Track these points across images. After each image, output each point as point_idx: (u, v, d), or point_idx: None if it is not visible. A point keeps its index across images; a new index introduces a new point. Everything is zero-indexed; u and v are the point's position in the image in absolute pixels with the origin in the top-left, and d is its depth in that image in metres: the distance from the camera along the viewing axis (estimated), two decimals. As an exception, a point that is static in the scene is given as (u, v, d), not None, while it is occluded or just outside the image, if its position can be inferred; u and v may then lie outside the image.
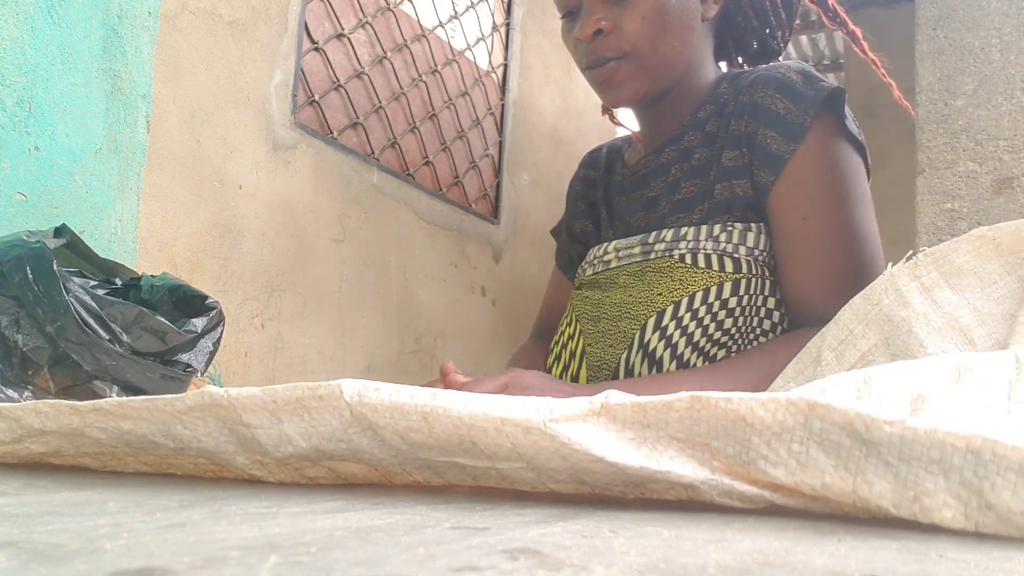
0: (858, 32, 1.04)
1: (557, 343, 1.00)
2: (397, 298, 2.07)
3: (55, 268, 0.70)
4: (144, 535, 0.29)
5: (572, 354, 0.96)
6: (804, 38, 4.03)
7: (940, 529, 0.31)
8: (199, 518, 0.33)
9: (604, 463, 0.36)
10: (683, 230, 0.89)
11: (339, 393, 0.40)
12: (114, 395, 0.70)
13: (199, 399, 0.43)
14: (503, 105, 2.55)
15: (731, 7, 0.97)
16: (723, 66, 1.03)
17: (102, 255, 0.82)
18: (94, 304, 0.71)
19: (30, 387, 0.68)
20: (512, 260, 2.55)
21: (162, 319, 0.74)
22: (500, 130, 2.53)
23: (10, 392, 0.66)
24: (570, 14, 0.95)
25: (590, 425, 0.36)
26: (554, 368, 0.99)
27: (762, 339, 0.86)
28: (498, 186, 2.50)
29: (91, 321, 0.70)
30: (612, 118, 1.14)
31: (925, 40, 1.58)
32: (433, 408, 0.38)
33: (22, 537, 0.28)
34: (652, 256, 0.90)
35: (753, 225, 0.87)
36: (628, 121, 1.11)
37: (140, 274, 0.81)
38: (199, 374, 0.78)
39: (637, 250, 0.92)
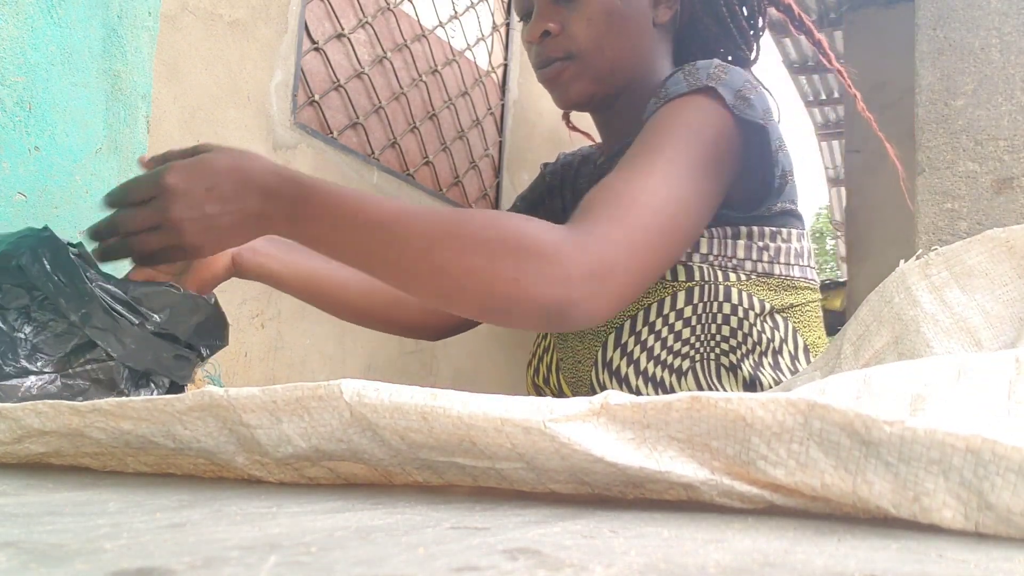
0: (824, 41, 1.02)
1: (535, 353, 0.99)
2: (397, 298, 2.07)
3: (71, 256, 0.70)
4: (144, 535, 0.29)
5: (549, 367, 0.96)
6: (803, 39, 4.03)
7: (940, 529, 0.31)
8: (199, 518, 0.33)
9: (604, 463, 0.36)
10: None
11: (339, 393, 0.40)
12: (124, 379, 0.71)
13: (199, 399, 0.43)
14: (503, 105, 2.55)
15: (690, 13, 0.96)
16: None
17: (102, 255, 0.83)
18: (118, 289, 0.71)
19: (43, 375, 0.68)
20: (512, 260, 2.55)
21: (191, 292, 0.75)
22: (500, 130, 2.53)
23: (13, 383, 0.66)
24: (527, 17, 0.96)
25: (590, 425, 0.37)
26: (536, 378, 0.98)
27: (723, 345, 0.84)
28: (498, 186, 2.50)
29: (118, 306, 0.70)
30: (568, 123, 1.16)
31: (925, 40, 1.58)
32: (433, 408, 0.38)
33: (22, 537, 0.28)
34: None
35: (704, 230, 0.85)
36: (587, 127, 1.11)
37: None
38: (203, 358, 0.78)
39: None
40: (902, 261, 0.62)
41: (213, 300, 0.81)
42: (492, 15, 2.53)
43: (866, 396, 0.44)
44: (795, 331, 0.88)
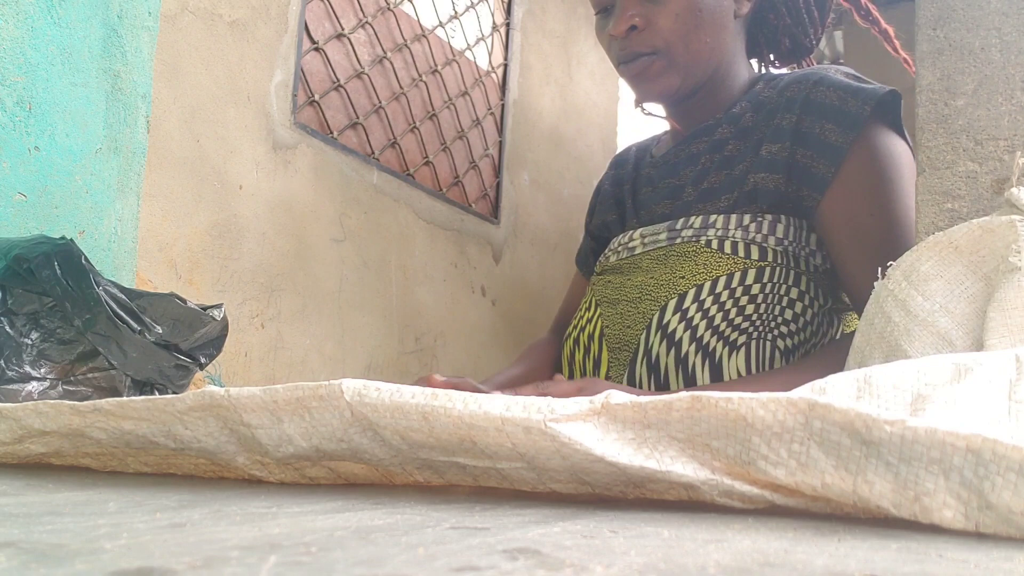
0: (890, 31, 1.05)
1: (575, 328, 1.00)
2: (397, 298, 2.08)
3: (84, 263, 0.70)
4: (144, 535, 0.29)
5: (591, 337, 0.96)
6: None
7: (940, 529, 0.31)
8: (199, 518, 0.33)
9: (604, 463, 0.36)
10: (712, 217, 0.90)
11: (340, 393, 0.40)
12: (127, 386, 0.71)
13: (199, 399, 0.43)
14: (503, 105, 2.55)
15: (764, 4, 0.97)
16: (754, 63, 1.03)
17: (102, 255, 0.82)
18: (124, 296, 0.71)
19: (45, 381, 0.68)
20: (512, 260, 2.55)
21: (193, 305, 0.75)
22: (500, 130, 2.53)
23: (14, 387, 0.66)
24: (604, 11, 0.97)
25: (591, 425, 0.36)
26: (576, 355, 0.99)
27: (783, 328, 0.85)
28: (498, 186, 2.50)
29: (122, 313, 0.70)
30: (644, 111, 1.15)
31: (925, 40, 1.58)
32: (433, 408, 0.38)
33: (22, 537, 0.28)
34: (678, 241, 0.91)
35: (783, 217, 0.87)
36: (659, 117, 1.11)
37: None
38: (201, 366, 0.78)
39: (663, 236, 0.93)
40: (875, 283, 0.63)
41: (222, 315, 0.80)
42: (492, 15, 2.53)
43: (867, 396, 0.43)
44: (843, 333, 0.89)
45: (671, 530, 0.32)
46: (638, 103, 1.07)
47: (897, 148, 0.85)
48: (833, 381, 0.45)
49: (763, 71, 1.03)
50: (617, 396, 0.37)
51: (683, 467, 0.36)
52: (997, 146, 1.48)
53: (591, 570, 0.24)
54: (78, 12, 0.96)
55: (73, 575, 0.23)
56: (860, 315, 0.84)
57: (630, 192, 1.05)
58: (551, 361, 1.04)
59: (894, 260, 0.80)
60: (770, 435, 0.34)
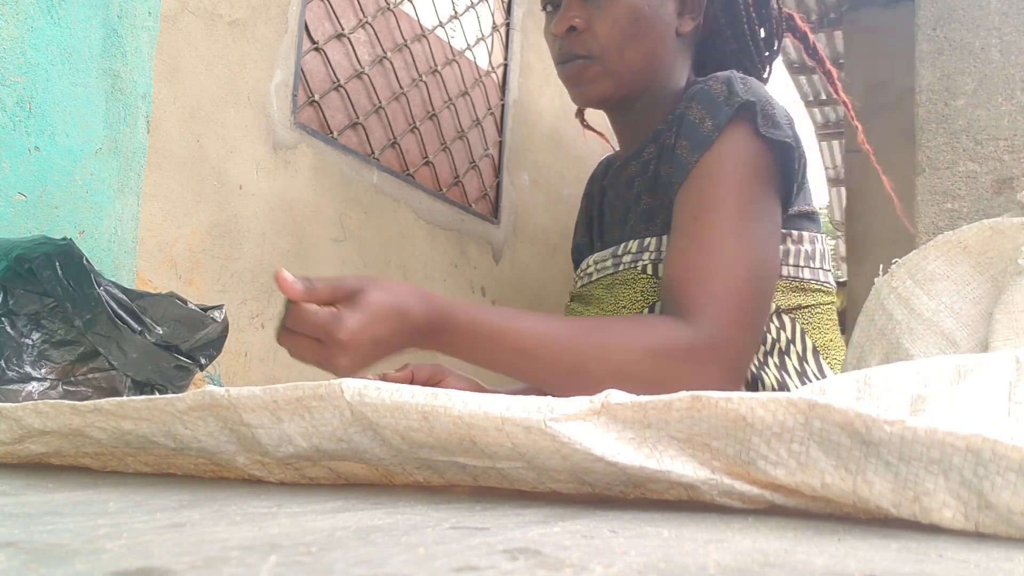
0: (834, 72, 1.05)
1: None
2: (397, 298, 2.07)
3: (85, 263, 0.70)
4: (144, 535, 0.29)
5: None
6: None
7: (940, 529, 0.31)
8: (199, 518, 0.33)
9: (604, 463, 0.36)
10: (646, 240, 0.90)
11: (340, 392, 0.40)
12: (127, 387, 0.71)
13: (200, 399, 0.43)
14: (503, 105, 2.55)
15: (712, 28, 0.98)
16: None
17: (102, 255, 0.82)
18: (125, 297, 0.71)
19: (45, 381, 0.68)
20: (512, 260, 2.55)
21: (193, 306, 0.75)
22: (500, 130, 2.53)
23: (14, 387, 0.66)
24: (552, 7, 0.97)
25: (591, 425, 0.36)
26: None
27: None
28: (498, 186, 2.50)
29: (122, 313, 0.70)
30: (583, 122, 1.17)
31: (925, 40, 1.58)
32: (434, 407, 0.38)
33: (22, 537, 0.28)
34: (620, 268, 0.92)
35: None
36: (601, 126, 1.12)
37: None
38: (202, 367, 0.78)
39: (609, 263, 0.95)
40: (875, 279, 0.63)
41: (223, 316, 0.80)
42: (492, 15, 2.53)
43: (867, 396, 0.44)
44: (803, 332, 0.88)
45: (671, 530, 0.32)
46: (579, 112, 1.08)
47: (740, 159, 0.83)
48: (833, 382, 0.45)
49: None
50: (617, 396, 0.37)
51: (683, 467, 0.36)
52: (997, 146, 1.48)
53: (591, 570, 0.24)
54: (78, 12, 0.96)
55: (73, 575, 0.23)
56: (661, 305, 0.84)
57: (597, 213, 1.07)
58: None
59: (714, 262, 0.79)
60: (770, 435, 0.34)
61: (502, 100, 2.55)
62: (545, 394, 0.41)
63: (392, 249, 2.05)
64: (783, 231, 0.89)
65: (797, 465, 0.34)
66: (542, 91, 2.73)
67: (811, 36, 1.04)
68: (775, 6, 1.00)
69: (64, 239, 0.72)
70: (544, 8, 0.99)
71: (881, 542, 0.30)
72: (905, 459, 0.31)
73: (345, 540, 0.29)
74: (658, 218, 0.91)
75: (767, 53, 1.01)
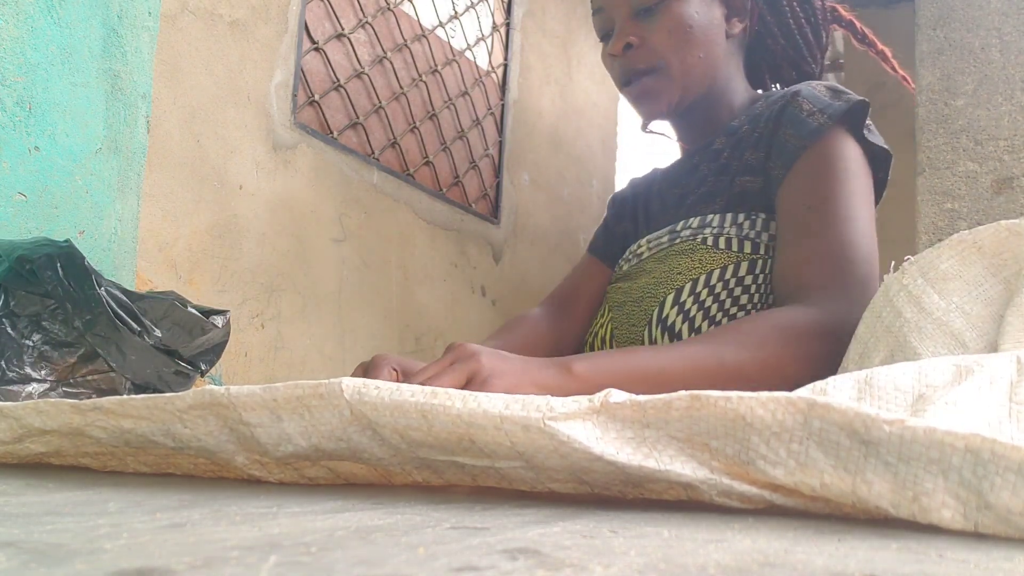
0: (887, 51, 1.10)
1: (590, 335, 1.04)
2: (397, 298, 2.07)
3: (86, 264, 0.70)
4: (144, 535, 0.29)
5: (603, 340, 1.00)
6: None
7: (940, 529, 0.31)
8: (199, 518, 0.33)
9: (603, 462, 0.36)
10: (709, 217, 0.94)
11: (339, 391, 0.40)
12: (127, 389, 0.71)
13: (199, 397, 0.43)
14: (503, 105, 2.55)
15: (760, 30, 1.03)
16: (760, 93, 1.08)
17: (102, 255, 0.82)
18: (125, 298, 0.71)
19: (45, 383, 0.68)
20: (512, 260, 2.55)
21: (193, 310, 0.75)
22: (500, 130, 2.53)
23: (14, 388, 0.66)
24: (606, 36, 1.03)
25: (589, 424, 0.36)
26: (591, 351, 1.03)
27: None
28: (498, 186, 2.50)
29: (122, 314, 0.70)
30: (646, 130, 1.18)
31: (925, 40, 1.58)
32: (433, 406, 0.38)
33: (22, 537, 0.28)
34: (678, 241, 0.95)
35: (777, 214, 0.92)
36: (663, 135, 1.14)
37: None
38: (202, 373, 0.78)
39: (665, 239, 0.98)
40: (884, 275, 0.63)
41: (225, 322, 0.80)
42: (492, 15, 2.53)
43: (868, 396, 0.44)
44: None
45: (671, 530, 0.32)
46: (644, 125, 1.11)
47: (849, 153, 0.89)
48: (834, 382, 0.45)
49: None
50: (616, 395, 0.37)
51: (682, 466, 0.36)
52: (997, 146, 1.48)
53: (591, 570, 0.24)
54: (78, 12, 0.96)
55: (73, 575, 0.23)
56: (777, 301, 0.86)
57: (643, 206, 1.11)
58: (542, 335, 1.05)
59: (831, 249, 0.83)
60: (769, 434, 0.34)
61: (502, 100, 2.55)
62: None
63: (392, 249, 2.05)
64: None
65: (796, 465, 0.34)
66: (542, 91, 2.73)
67: (858, 23, 1.09)
68: (818, 1, 1.05)
69: (65, 241, 0.72)
70: (601, 39, 1.04)
71: (881, 542, 0.30)
72: (904, 459, 0.31)
73: (345, 540, 0.29)
74: (719, 198, 0.95)
75: (816, 47, 1.06)
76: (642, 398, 0.36)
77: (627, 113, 3.09)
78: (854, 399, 0.43)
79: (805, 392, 0.39)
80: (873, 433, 0.32)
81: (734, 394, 0.35)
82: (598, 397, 0.37)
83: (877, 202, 0.92)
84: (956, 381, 0.44)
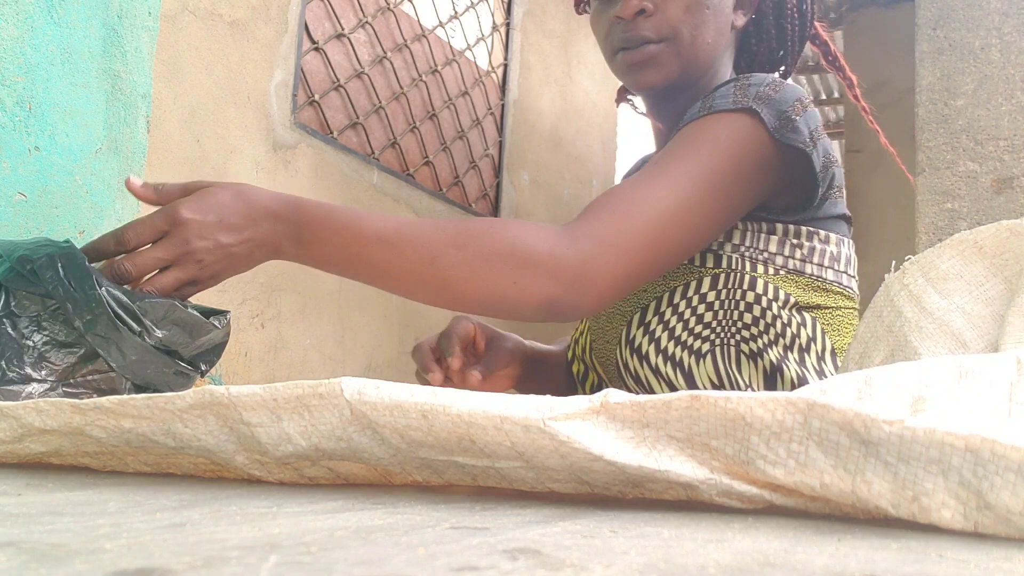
0: (854, 79, 1.07)
1: (578, 331, 1.04)
2: (397, 298, 2.07)
3: (87, 265, 0.70)
4: (144, 535, 0.29)
5: (584, 348, 1.00)
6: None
7: (940, 529, 0.31)
8: (199, 518, 0.33)
9: (603, 462, 0.36)
10: None
11: (339, 391, 0.40)
12: (127, 390, 0.71)
13: (200, 397, 0.43)
14: (503, 105, 2.55)
15: (751, 28, 1.00)
16: None
17: (102, 255, 0.82)
18: (126, 298, 0.71)
19: (45, 383, 0.68)
20: (512, 260, 2.55)
21: (193, 311, 0.75)
22: (500, 130, 2.53)
23: (15, 388, 0.66)
24: None
25: (589, 424, 0.36)
26: (574, 366, 1.03)
27: (744, 332, 0.86)
28: (498, 186, 2.50)
29: (123, 314, 0.70)
30: (624, 101, 1.14)
31: (925, 40, 1.58)
32: (433, 406, 0.38)
33: (22, 537, 0.28)
34: None
35: (740, 223, 0.88)
36: (641, 113, 1.12)
37: None
38: (202, 374, 0.78)
39: None
40: (885, 275, 0.62)
41: (226, 323, 0.79)
42: (492, 15, 2.53)
43: (868, 396, 0.44)
44: (823, 332, 0.88)
45: (671, 530, 0.32)
46: (623, 95, 1.08)
47: (733, 135, 0.81)
48: (835, 381, 0.45)
49: None
50: (616, 395, 0.37)
51: (682, 466, 0.36)
52: (997, 146, 1.47)
53: (591, 570, 0.24)
54: (78, 12, 0.96)
55: (73, 575, 0.23)
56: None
57: None
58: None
59: (624, 197, 0.76)
60: (769, 434, 0.34)
61: (502, 100, 2.55)
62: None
63: (392, 249, 2.05)
64: (811, 229, 0.89)
65: (796, 465, 0.34)
66: (542, 91, 2.73)
67: (832, 45, 1.07)
68: (809, 14, 1.03)
69: (65, 241, 0.72)
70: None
71: (881, 542, 0.30)
72: (904, 459, 0.31)
73: (345, 540, 0.29)
74: None
75: (798, 55, 1.04)
76: (642, 398, 0.36)
77: (627, 113, 3.09)
78: (854, 399, 0.43)
79: (805, 392, 0.39)
80: (873, 433, 0.32)
81: (734, 394, 0.35)
82: (598, 397, 0.37)
83: (813, 200, 0.87)
84: (956, 381, 0.44)
